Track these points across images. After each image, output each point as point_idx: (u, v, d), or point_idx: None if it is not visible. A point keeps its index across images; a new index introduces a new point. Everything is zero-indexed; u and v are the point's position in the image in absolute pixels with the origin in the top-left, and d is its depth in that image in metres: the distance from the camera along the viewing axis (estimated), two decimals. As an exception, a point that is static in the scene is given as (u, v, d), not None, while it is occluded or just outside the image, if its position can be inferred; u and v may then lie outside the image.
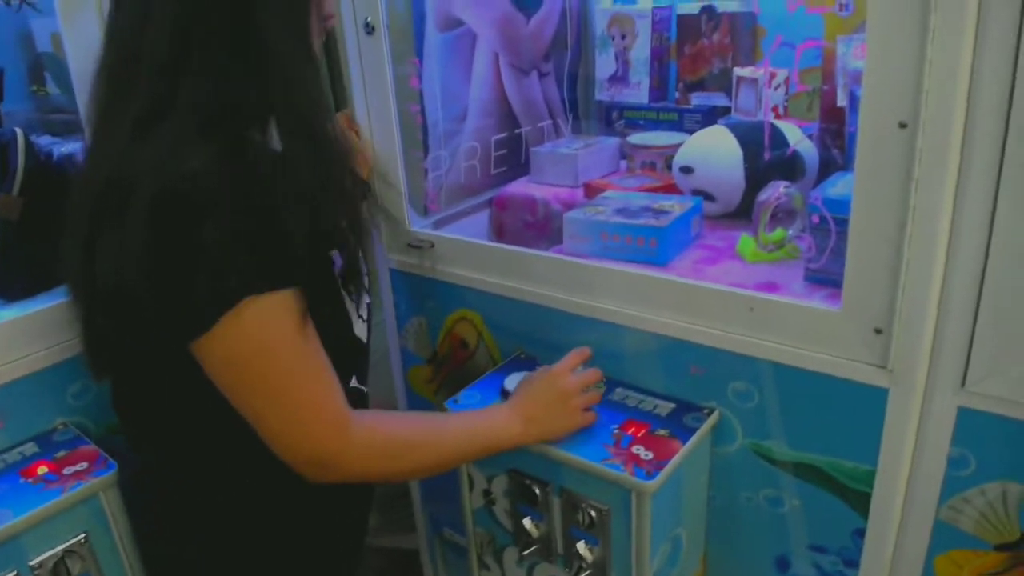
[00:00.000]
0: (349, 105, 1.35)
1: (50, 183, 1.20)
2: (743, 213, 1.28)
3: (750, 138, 1.27)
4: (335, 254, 0.88)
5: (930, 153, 0.82)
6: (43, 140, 1.33)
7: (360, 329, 0.96)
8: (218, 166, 0.74)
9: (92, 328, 0.87)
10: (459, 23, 1.51)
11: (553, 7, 1.72)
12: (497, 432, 1.00)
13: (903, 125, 0.83)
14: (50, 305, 1.14)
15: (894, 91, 0.82)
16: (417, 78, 1.37)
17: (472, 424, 1.00)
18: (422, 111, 1.40)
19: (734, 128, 1.32)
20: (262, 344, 0.77)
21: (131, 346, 0.84)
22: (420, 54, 1.40)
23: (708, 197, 1.31)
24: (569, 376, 1.05)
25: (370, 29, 1.26)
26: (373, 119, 1.32)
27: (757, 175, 1.24)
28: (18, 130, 1.21)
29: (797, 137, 1.28)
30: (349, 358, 0.94)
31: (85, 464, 1.07)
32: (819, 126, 1.41)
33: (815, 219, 0.99)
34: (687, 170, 1.31)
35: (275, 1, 0.79)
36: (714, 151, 1.29)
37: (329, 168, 0.83)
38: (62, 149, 1.26)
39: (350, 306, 0.93)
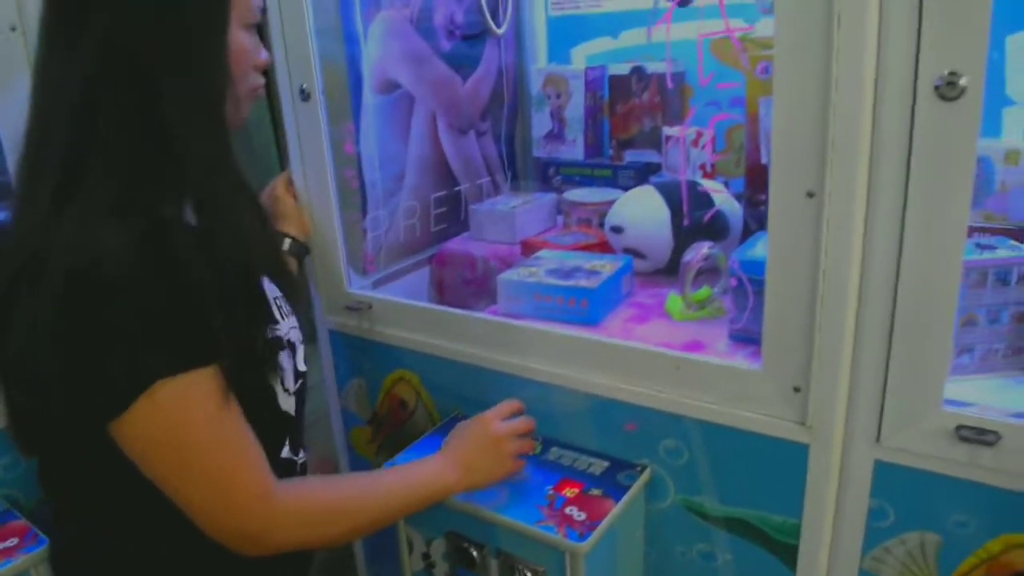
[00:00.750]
0: (286, 169, 1.37)
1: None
2: (673, 269, 1.32)
3: (678, 197, 1.32)
4: (259, 326, 0.88)
5: (836, 221, 0.86)
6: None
7: (286, 402, 0.95)
8: (130, 245, 0.74)
9: (13, 403, 0.86)
10: (396, 86, 1.55)
11: (489, 68, 1.76)
12: (432, 481, 1.00)
13: (811, 194, 0.87)
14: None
15: (801, 163, 0.87)
16: (353, 144, 1.40)
17: (406, 477, 1.00)
18: (359, 174, 1.43)
19: (662, 188, 1.36)
20: (179, 424, 0.76)
21: (50, 423, 0.83)
22: (357, 118, 1.42)
23: (638, 255, 1.35)
24: (500, 422, 1.06)
25: (305, 95, 1.28)
26: (310, 183, 1.33)
27: (684, 234, 1.28)
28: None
29: (722, 197, 1.33)
30: (276, 430, 0.94)
31: (15, 540, 1.06)
32: (745, 183, 1.47)
33: (734, 282, 1.03)
34: (618, 230, 1.35)
35: (183, 77, 0.80)
36: (643, 211, 1.33)
37: (245, 242, 0.84)
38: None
39: (274, 380, 0.92)
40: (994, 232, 1.15)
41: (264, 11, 0.89)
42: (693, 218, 1.23)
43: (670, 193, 1.34)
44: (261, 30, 0.91)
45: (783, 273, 0.92)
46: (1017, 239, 1.11)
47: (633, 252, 1.35)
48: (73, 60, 0.78)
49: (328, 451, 1.60)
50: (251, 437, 0.82)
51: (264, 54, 0.91)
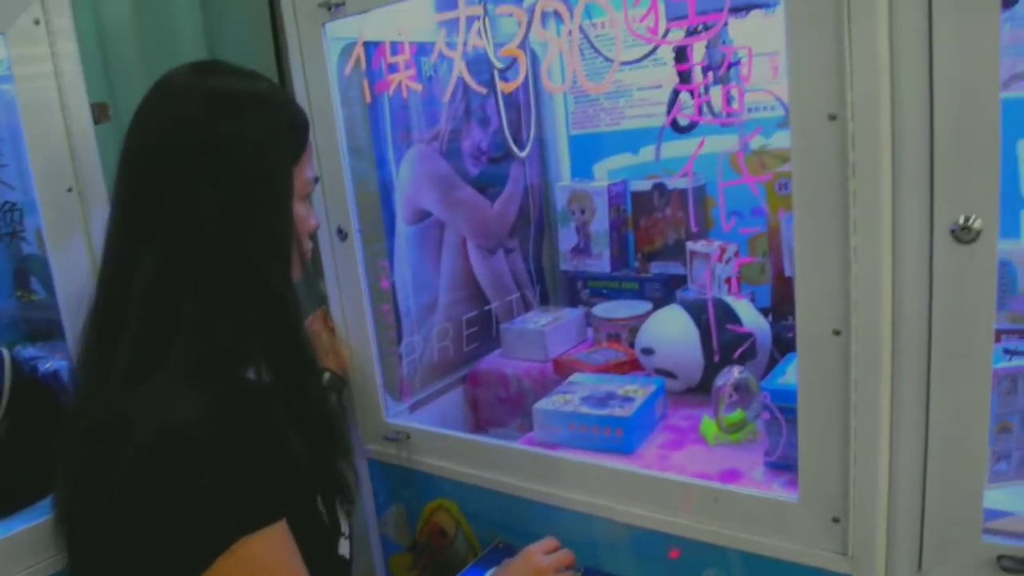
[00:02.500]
0: (325, 304, 1.42)
1: (35, 402, 1.24)
2: (705, 387, 1.34)
3: (706, 316, 1.34)
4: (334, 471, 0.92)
5: (864, 358, 0.88)
6: (27, 352, 1.38)
7: (344, 547, 0.98)
8: (210, 408, 0.78)
9: (76, 565, 0.89)
10: (427, 214, 1.61)
11: (516, 188, 1.83)
12: None
13: (837, 332, 0.90)
14: (34, 524, 1.14)
15: (826, 302, 0.89)
16: (388, 279, 1.45)
17: None
18: (395, 306, 1.47)
19: (689, 307, 1.39)
20: None
21: None
22: (391, 252, 1.48)
23: (670, 375, 1.36)
24: (542, 555, 1.09)
25: (343, 235, 1.34)
26: (348, 317, 1.38)
27: (715, 353, 1.30)
28: (4, 350, 1.26)
29: (750, 314, 1.35)
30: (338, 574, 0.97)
31: None
32: (771, 293, 1.50)
33: (767, 416, 1.05)
34: (648, 352, 1.38)
35: (261, 241, 0.86)
36: (672, 332, 1.36)
37: (321, 393, 0.89)
38: (47, 365, 1.30)
39: (334, 525, 0.96)
40: (1021, 335, 1.16)
41: (317, 180, 0.96)
42: (722, 340, 1.25)
43: (698, 312, 1.36)
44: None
45: (814, 408, 0.94)
46: (1043, 340, 1.13)
47: (664, 372, 1.37)
48: (153, 237, 0.84)
49: (368, 576, 1.60)
50: None
51: (315, 220, 0.97)
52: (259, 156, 0.87)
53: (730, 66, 1.15)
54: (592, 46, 1.48)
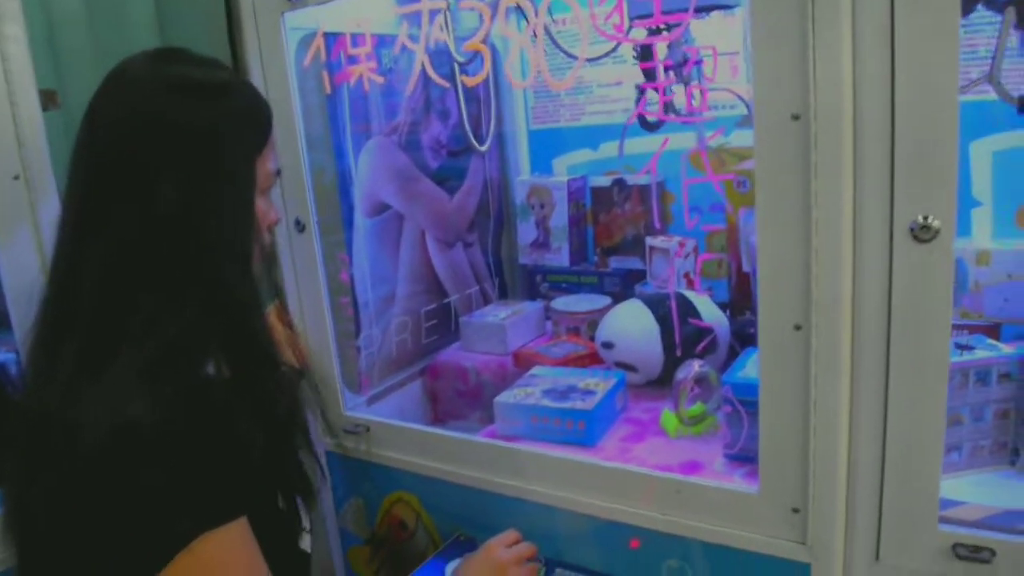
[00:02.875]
0: (281, 297, 1.40)
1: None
2: (665, 380, 1.36)
3: (665, 310, 1.36)
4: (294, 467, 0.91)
5: (824, 355, 0.90)
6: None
7: (305, 542, 0.97)
8: (163, 407, 0.75)
9: (28, 568, 0.86)
10: (386, 207, 1.60)
11: (475, 182, 1.82)
12: None
13: (798, 327, 0.92)
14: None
15: (787, 299, 0.91)
16: (346, 272, 1.43)
17: None
18: (353, 300, 1.46)
19: (649, 302, 1.40)
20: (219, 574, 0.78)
21: None
22: (349, 245, 1.46)
23: (630, 368, 1.38)
24: (503, 549, 1.10)
25: (301, 227, 1.33)
26: (306, 310, 1.37)
27: (674, 347, 1.31)
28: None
29: (709, 309, 1.37)
30: (298, 570, 0.96)
31: None
32: (728, 288, 1.52)
33: (727, 409, 1.07)
34: (608, 345, 1.39)
35: (222, 236, 0.84)
36: (632, 326, 1.37)
37: (280, 387, 0.87)
38: (-7, 358, 1.26)
39: (295, 520, 0.94)
40: (972, 330, 1.20)
41: (279, 173, 0.94)
42: (683, 333, 1.26)
43: (657, 306, 1.38)
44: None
45: (775, 402, 0.95)
46: (992, 336, 1.17)
47: (624, 366, 1.38)
48: (109, 228, 0.80)
49: (327, 571, 1.58)
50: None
51: (276, 214, 0.95)
52: (221, 148, 0.84)
53: (693, 65, 1.17)
54: (554, 42, 1.49)
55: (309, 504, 0.96)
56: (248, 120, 0.89)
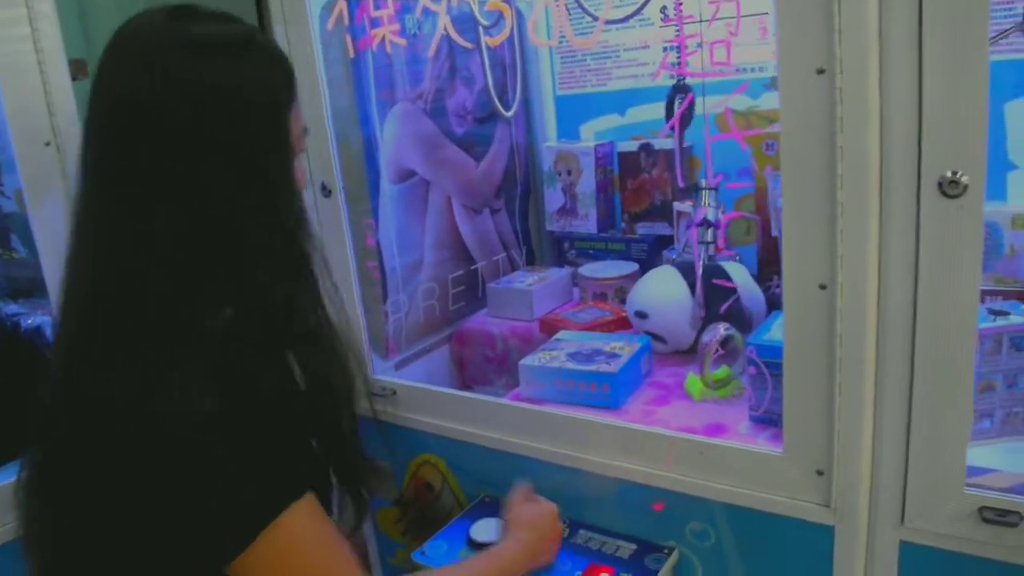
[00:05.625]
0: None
1: (17, 356, 1.23)
2: (692, 349, 1.35)
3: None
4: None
5: (850, 311, 0.89)
6: (10, 308, 1.37)
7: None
8: (233, 399, 0.76)
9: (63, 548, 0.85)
10: (412, 173, 1.60)
11: (501, 148, 1.82)
12: (520, 567, 1.06)
13: (823, 287, 0.90)
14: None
15: (813, 257, 0.90)
16: (373, 236, 1.44)
17: (506, 566, 1.05)
18: (380, 265, 1.47)
19: (683, 269, 1.38)
20: (301, 548, 0.79)
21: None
22: (376, 210, 1.47)
23: (660, 339, 1.37)
24: (545, 501, 1.14)
25: (327, 192, 1.33)
26: (334, 275, 1.37)
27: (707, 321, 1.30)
28: (-14, 306, 1.24)
29: (743, 277, 1.34)
30: None
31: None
32: (757, 254, 1.50)
33: (752, 370, 1.06)
34: (642, 315, 1.38)
35: (272, 192, 0.82)
36: (667, 297, 1.35)
37: (347, 371, 0.90)
38: (29, 321, 1.29)
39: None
40: (1006, 296, 1.18)
41: (307, 131, 0.92)
42: (712, 307, 1.25)
43: (690, 273, 1.36)
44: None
45: (800, 362, 0.95)
46: (1028, 302, 1.14)
47: (655, 336, 1.37)
48: (153, 208, 0.76)
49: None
50: (347, 544, 0.85)
51: (304, 175, 0.95)
52: (256, 106, 0.80)
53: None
54: (578, 3, 1.47)
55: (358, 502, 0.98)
56: (276, 74, 0.84)
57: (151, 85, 0.76)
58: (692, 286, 1.34)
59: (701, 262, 1.23)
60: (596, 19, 1.16)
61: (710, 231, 1.27)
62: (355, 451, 0.95)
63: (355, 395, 0.95)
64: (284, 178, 0.84)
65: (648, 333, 1.38)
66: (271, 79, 0.83)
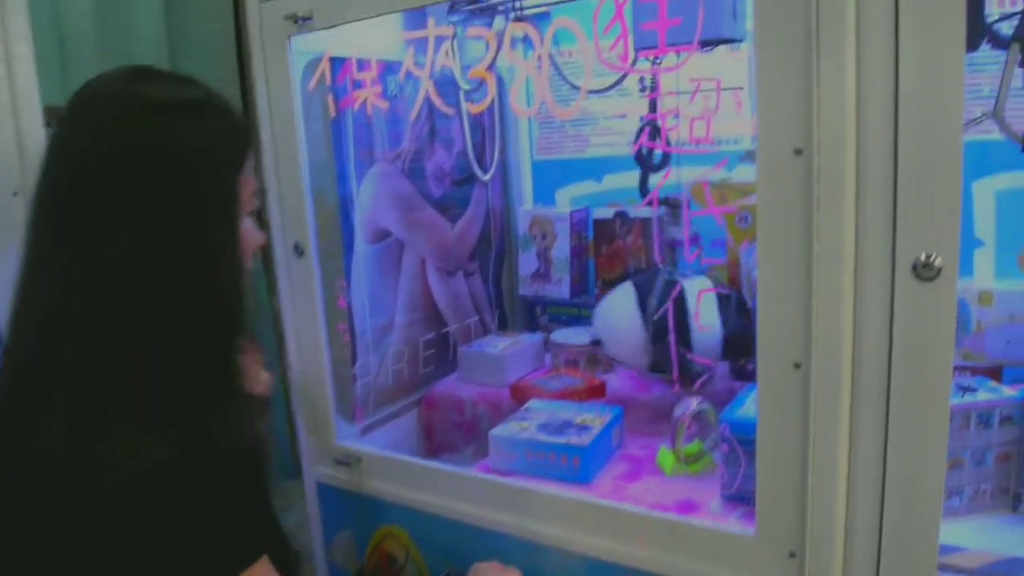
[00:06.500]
0: (280, 323, 1.38)
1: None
2: (657, 368, 1.35)
3: (652, 291, 1.34)
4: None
5: (824, 392, 0.88)
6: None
7: None
8: (180, 456, 0.73)
9: None
10: (387, 234, 1.59)
11: (477, 211, 1.82)
12: None
13: (797, 365, 0.90)
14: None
15: (787, 335, 0.89)
16: (344, 298, 1.42)
17: None
18: (351, 327, 1.45)
19: (640, 283, 1.39)
20: None
21: None
22: (348, 271, 1.45)
23: (620, 363, 1.36)
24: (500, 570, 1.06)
25: (300, 252, 1.32)
26: (302, 337, 1.35)
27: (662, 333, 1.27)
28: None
29: (708, 311, 1.30)
30: None
31: None
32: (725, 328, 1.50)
33: (725, 448, 1.04)
34: (596, 342, 1.38)
35: (212, 266, 0.80)
36: (616, 319, 1.37)
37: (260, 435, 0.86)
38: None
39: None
40: (974, 372, 1.18)
41: (263, 193, 0.91)
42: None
43: (645, 287, 1.36)
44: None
45: (773, 441, 0.93)
46: (994, 379, 1.15)
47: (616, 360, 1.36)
48: (94, 262, 0.75)
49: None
50: None
51: (260, 236, 0.91)
52: (208, 167, 0.80)
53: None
54: (560, 73, 1.49)
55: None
56: (230, 137, 0.84)
57: (104, 143, 0.76)
58: (642, 303, 1.33)
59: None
60: (578, 89, 1.17)
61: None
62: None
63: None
64: (227, 240, 0.83)
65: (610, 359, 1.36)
66: (223, 141, 0.82)
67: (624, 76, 1.17)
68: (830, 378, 0.88)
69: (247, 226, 0.87)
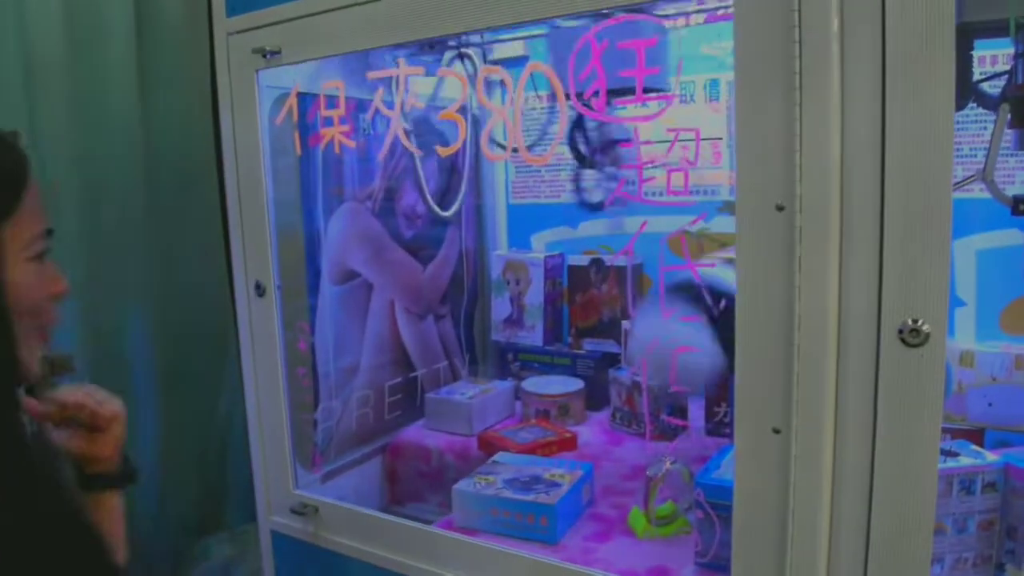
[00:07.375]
0: (236, 363, 1.32)
1: None
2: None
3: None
4: None
5: (805, 460, 0.84)
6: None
7: None
8: None
9: None
10: (355, 275, 1.54)
11: (450, 253, 1.77)
12: None
13: (777, 431, 0.85)
14: None
15: (767, 400, 0.85)
16: (305, 342, 1.37)
17: None
18: (313, 370, 1.39)
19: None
20: None
21: None
22: (313, 312, 1.40)
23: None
24: None
25: (261, 291, 1.26)
26: (260, 380, 1.29)
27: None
28: None
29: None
30: None
31: None
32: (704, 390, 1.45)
33: (699, 514, 0.99)
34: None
35: None
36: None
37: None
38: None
39: None
40: (955, 434, 1.15)
41: (50, 233, 0.82)
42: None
43: None
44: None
45: (750, 511, 0.89)
46: (976, 442, 1.11)
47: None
48: None
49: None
50: None
51: (61, 284, 0.81)
52: None
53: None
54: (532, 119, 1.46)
55: None
56: None
57: None
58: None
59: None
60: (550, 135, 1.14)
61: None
62: None
63: None
64: None
65: None
66: None
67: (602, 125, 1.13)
68: (811, 444, 0.83)
69: (27, 272, 0.76)
